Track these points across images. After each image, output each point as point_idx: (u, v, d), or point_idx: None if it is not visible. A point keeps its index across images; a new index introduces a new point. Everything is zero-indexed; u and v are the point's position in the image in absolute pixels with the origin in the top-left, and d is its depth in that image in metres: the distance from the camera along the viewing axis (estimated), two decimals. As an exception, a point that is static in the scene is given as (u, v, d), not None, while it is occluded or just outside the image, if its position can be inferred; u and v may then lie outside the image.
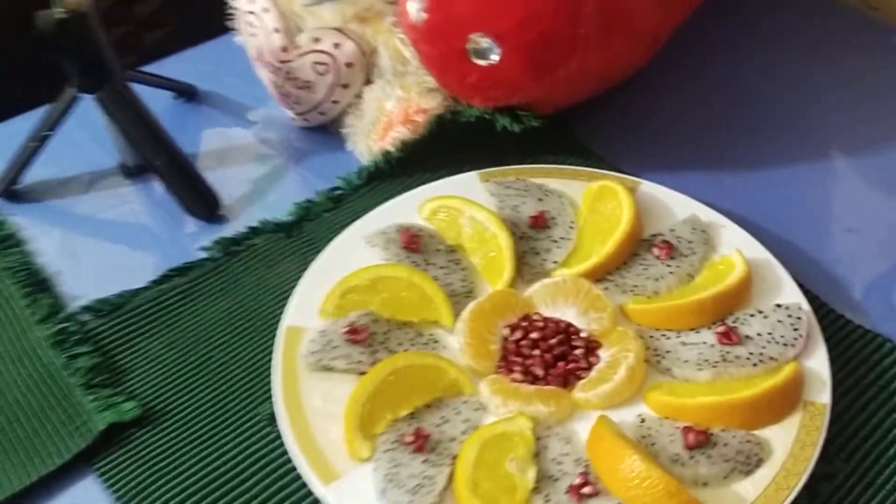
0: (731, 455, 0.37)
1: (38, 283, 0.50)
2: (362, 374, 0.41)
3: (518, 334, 0.43)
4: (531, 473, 0.37)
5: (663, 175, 0.52)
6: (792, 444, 0.37)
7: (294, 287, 0.46)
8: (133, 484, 0.40)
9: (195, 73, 0.65)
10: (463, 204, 0.48)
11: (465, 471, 0.37)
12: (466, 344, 0.42)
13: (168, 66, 0.64)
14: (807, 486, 0.36)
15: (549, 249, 0.47)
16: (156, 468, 0.40)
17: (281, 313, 0.45)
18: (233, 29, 0.60)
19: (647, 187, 0.50)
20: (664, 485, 0.34)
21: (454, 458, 0.38)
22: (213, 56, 0.67)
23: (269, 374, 0.43)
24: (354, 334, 0.42)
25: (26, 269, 0.50)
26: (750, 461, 0.37)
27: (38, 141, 0.54)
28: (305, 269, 0.47)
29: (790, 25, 0.69)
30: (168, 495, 0.39)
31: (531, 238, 0.48)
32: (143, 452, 0.41)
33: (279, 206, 0.54)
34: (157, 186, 0.56)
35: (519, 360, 0.42)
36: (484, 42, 0.46)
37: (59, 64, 0.52)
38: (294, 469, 0.39)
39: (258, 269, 0.50)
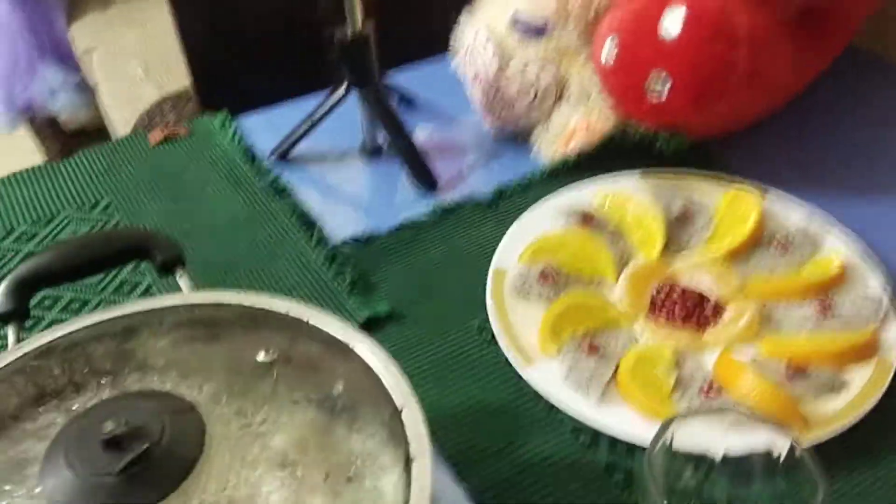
0: (822, 382, 0.51)
1: (308, 222, 0.69)
2: (549, 303, 0.58)
3: (664, 292, 0.59)
4: (672, 377, 0.52)
5: (785, 190, 0.66)
6: (867, 380, 0.51)
7: (496, 243, 0.64)
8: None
9: (415, 85, 0.84)
10: (629, 194, 0.64)
11: (626, 368, 0.52)
12: (626, 293, 0.58)
13: (393, 79, 0.84)
14: (878, 410, 0.50)
15: (691, 235, 0.63)
16: (403, 349, 0.58)
17: (482, 261, 0.63)
18: (442, 54, 0.79)
19: (773, 196, 0.65)
20: (770, 389, 0.49)
21: (616, 363, 0.54)
22: (430, 73, 0.86)
23: (475, 300, 0.60)
24: (544, 277, 0.59)
25: (299, 210, 0.70)
26: (835, 387, 0.51)
27: (313, 121, 0.74)
28: (501, 233, 0.65)
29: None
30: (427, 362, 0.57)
31: (678, 226, 0.63)
32: (391, 337, 0.59)
33: (477, 187, 0.72)
34: (387, 164, 0.75)
35: (664, 309, 0.58)
36: (659, 80, 0.62)
37: (339, 66, 0.72)
38: (499, 360, 0.56)
39: (465, 229, 0.68)
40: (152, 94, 1.57)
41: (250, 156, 0.76)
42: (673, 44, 0.61)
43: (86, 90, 1.67)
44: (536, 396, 0.54)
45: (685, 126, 0.66)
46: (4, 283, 0.43)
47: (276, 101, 0.84)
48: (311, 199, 0.72)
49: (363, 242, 0.66)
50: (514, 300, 0.58)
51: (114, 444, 0.33)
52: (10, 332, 0.42)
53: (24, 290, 0.43)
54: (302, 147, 0.76)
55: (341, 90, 0.73)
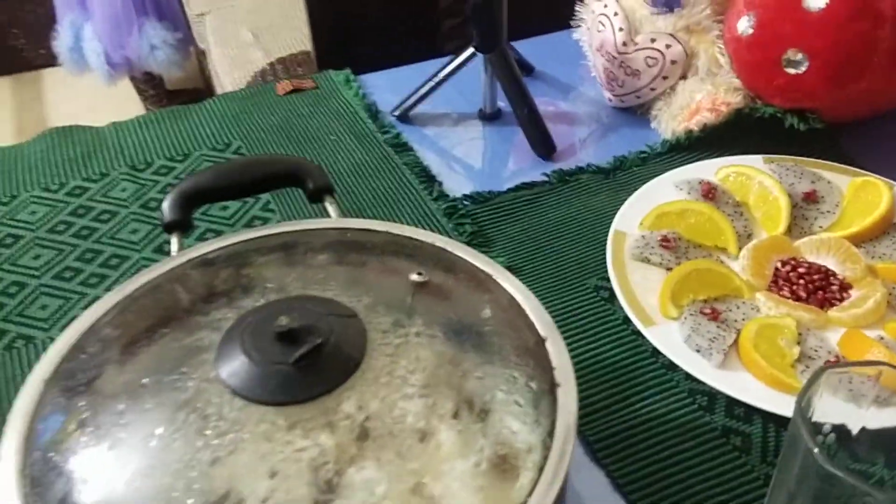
0: (954, 367, 0.50)
1: (428, 176, 0.71)
2: (668, 269, 0.58)
3: (788, 267, 0.58)
4: (796, 349, 0.52)
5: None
6: None
7: (613, 211, 0.64)
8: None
9: (532, 55, 0.85)
10: (754, 171, 0.64)
11: (749, 335, 0.52)
12: (749, 265, 0.58)
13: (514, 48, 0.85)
14: None
15: (817, 217, 0.62)
16: (516, 301, 0.59)
17: (599, 226, 0.63)
18: (568, 27, 0.80)
19: (902, 188, 0.63)
20: (902, 366, 0.48)
21: (738, 331, 0.54)
22: (547, 45, 0.87)
23: (591, 261, 0.61)
24: (666, 242, 0.59)
25: (419, 165, 0.72)
26: (968, 373, 0.49)
27: (437, 82, 0.76)
28: (619, 201, 0.65)
29: None
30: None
31: (803, 208, 0.63)
32: (508, 290, 0.60)
33: (594, 157, 0.73)
34: (505, 129, 0.77)
35: (787, 284, 0.57)
36: (798, 55, 0.62)
37: (469, 27, 0.73)
38: (615, 319, 0.57)
39: (582, 195, 0.68)
40: (260, 58, 1.62)
41: (373, 111, 0.78)
42: (814, 19, 0.61)
43: (184, 49, 1.72)
44: (653, 356, 0.54)
45: (817, 106, 0.65)
46: (170, 195, 0.46)
47: (390, 68, 0.86)
48: (429, 157, 0.74)
49: (482, 199, 0.68)
50: (635, 263, 0.59)
51: (288, 337, 0.35)
52: (174, 241, 0.45)
53: (187, 202, 0.46)
54: (421, 108, 0.78)
55: (467, 52, 0.74)
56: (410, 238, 0.44)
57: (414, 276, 0.41)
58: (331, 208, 0.47)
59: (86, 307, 0.50)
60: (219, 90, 1.62)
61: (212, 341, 0.37)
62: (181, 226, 0.46)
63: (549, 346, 0.39)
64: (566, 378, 0.37)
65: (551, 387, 0.37)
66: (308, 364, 0.34)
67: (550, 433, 0.35)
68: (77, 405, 0.36)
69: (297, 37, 1.67)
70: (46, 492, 0.33)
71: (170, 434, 0.34)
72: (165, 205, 0.46)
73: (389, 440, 0.34)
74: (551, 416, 0.36)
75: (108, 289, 0.60)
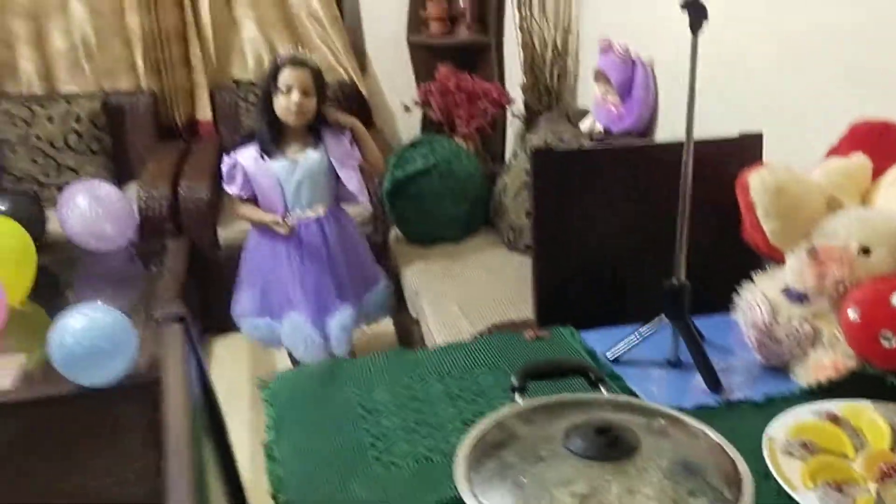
0: None
1: (633, 397, 1.06)
2: (805, 462, 0.88)
3: (891, 469, 0.86)
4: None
5: None
6: None
7: (764, 426, 0.95)
8: None
9: (704, 329, 1.22)
10: (865, 409, 0.95)
11: None
12: (864, 465, 0.87)
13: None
14: None
15: (913, 442, 0.91)
16: (701, 474, 0.90)
17: (755, 436, 0.95)
18: (727, 311, 1.18)
19: (977, 429, 0.91)
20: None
21: (855, 500, 0.82)
22: (713, 322, 1.24)
23: (753, 457, 0.92)
24: (805, 446, 0.90)
25: (628, 390, 1.07)
26: None
27: (641, 337, 1.14)
28: (769, 420, 0.97)
29: None
30: None
31: (902, 435, 0.92)
32: (695, 467, 0.91)
33: (749, 395, 1.06)
34: (686, 373, 1.12)
35: (892, 478, 0.85)
36: (889, 334, 0.96)
37: (664, 303, 1.13)
38: (771, 492, 0.86)
39: (743, 418, 1.00)
40: (466, 327, 2.09)
41: (593, 354, 1.16)
42: (899, 312, 0.95)
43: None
44: (798, 514, 0.83)
45: (909, 370, 0.97)
46: (518, 374, 0.85)
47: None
48: (632, 386, 1.09)
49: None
50: (783, 457, 0.89)
51: (602, 431, 0.70)
52: (518, 397, 0.83)
53: (525, 378, 0.84)
54: (627, 355, 1.16)
55: (660, 320, 1.13)
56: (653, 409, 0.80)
57: (656, 423, 0.76)
58: (602, 388, 0.84)
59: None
60: (429, 343, 2.11)
61: (556, 435, 0.73)
62: (522, 389, 0.84)
63: (742, 480, 0.71)
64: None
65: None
66: (613, 445, 0.69)
67: None
68: (485, 465, 0.73)
69: (499, 309, 2.14)
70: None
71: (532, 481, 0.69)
72: (516, 379, 0.85)
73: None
74: None
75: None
